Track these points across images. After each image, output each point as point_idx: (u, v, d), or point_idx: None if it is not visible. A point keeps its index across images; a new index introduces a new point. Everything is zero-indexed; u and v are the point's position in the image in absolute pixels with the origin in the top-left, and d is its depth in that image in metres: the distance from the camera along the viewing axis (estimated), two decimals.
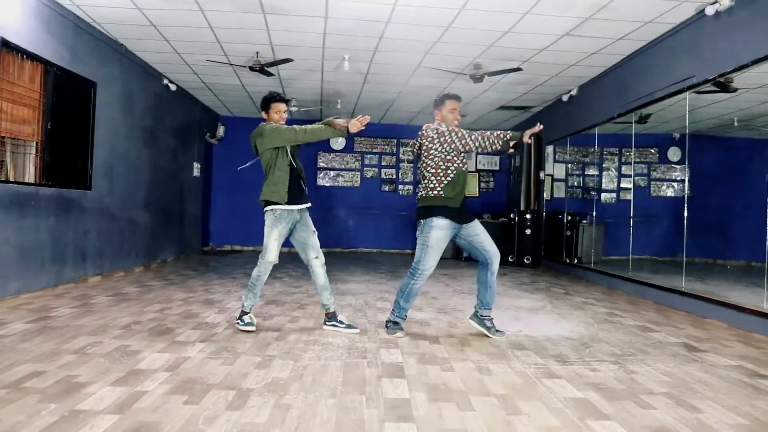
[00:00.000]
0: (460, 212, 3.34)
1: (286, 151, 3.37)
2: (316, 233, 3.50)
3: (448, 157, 3.31)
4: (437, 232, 3.28)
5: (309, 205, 3.51)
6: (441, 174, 3.31)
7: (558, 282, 6.49)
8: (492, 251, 3.39)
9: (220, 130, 9.54)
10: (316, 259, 3.46)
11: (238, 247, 10.15)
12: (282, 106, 3.44)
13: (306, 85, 7.65)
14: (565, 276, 7.14)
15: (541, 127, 3.30)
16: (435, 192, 3.32)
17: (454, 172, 3.32)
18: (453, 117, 3.42)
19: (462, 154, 3.36)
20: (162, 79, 7.18)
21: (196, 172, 8.93)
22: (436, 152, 3.32)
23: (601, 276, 6.38)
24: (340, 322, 3.51)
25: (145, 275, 6.13)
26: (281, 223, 3.36)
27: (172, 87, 7.37)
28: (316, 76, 7.11)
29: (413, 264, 3.37)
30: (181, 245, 8.24)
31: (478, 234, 3.39)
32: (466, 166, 3.40)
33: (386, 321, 3.56)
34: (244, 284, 5.54)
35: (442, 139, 3.29)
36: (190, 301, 4.49)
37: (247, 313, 3.44)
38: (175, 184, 7.94)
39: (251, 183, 10.14)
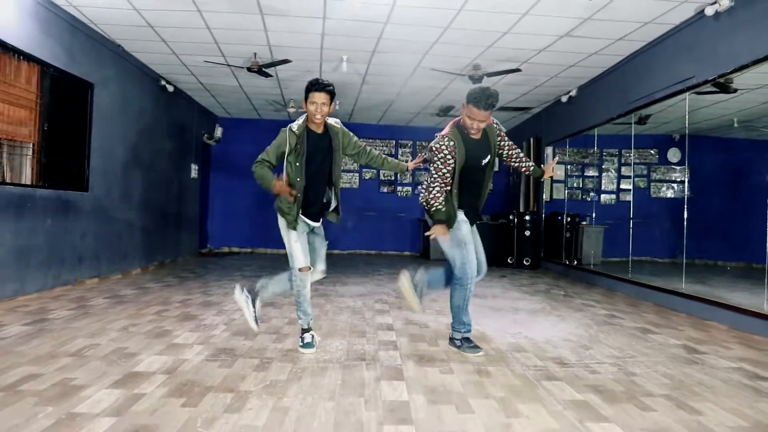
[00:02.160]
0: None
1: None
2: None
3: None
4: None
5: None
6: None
7: (557, 284, 6.50)
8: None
9: (218, 132, 9.55)
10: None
11: (236, 249, 10.16)
12: (319, 96, 2.99)
13: (304, 86, 7.65)
14: (564, 278, 7.15)
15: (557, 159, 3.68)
16: None
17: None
18: (470, 124, 2.96)
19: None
20: (159, 80, 7.19)
21: (194, 174, 8.93)
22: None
23: (600, 278, 6.39)
24: (253, 303, 3.13)
25: (143, 277, 6.12)
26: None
27: (170, 88, 7.39)
28: (314, 77, 7.12)
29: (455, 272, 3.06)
30: (178, 247, 8.24)
31: None
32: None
33: (454, 340, 3.17)
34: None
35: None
36: (187, 303, 4.50)
37: (307, 330, 3.12)
38: (172, 186, 7.95)
39: (249, 185, 10.23)
